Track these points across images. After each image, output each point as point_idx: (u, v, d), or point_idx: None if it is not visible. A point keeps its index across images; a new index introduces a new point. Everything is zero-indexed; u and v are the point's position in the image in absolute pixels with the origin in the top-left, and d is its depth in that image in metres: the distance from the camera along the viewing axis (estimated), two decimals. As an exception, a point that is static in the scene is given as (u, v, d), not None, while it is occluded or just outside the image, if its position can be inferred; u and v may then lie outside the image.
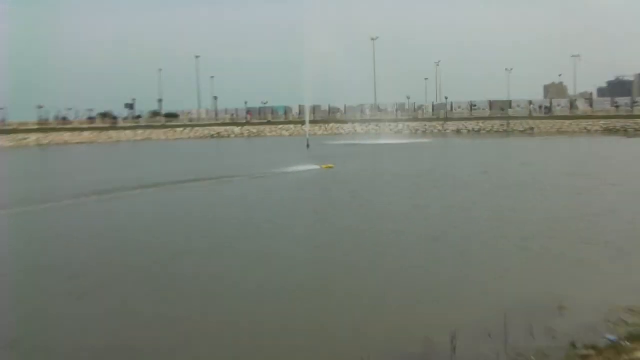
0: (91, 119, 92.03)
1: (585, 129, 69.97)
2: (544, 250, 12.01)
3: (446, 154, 44.40)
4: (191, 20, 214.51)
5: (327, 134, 75.80)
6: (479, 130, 74.33)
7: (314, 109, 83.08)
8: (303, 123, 69.14)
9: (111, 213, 18.78)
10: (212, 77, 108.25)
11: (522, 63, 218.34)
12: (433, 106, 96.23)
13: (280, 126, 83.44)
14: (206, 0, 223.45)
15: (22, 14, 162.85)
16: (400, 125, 77.05)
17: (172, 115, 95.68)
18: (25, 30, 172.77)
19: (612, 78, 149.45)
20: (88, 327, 8.49)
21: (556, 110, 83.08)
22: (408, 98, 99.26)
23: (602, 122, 71.40)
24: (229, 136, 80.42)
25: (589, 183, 22.18)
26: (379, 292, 9.79)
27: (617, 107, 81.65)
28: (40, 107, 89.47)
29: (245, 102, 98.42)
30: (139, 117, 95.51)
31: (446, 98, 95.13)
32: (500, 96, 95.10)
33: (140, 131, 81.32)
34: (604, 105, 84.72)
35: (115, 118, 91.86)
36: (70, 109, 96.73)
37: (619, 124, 69.60)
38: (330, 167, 29.20)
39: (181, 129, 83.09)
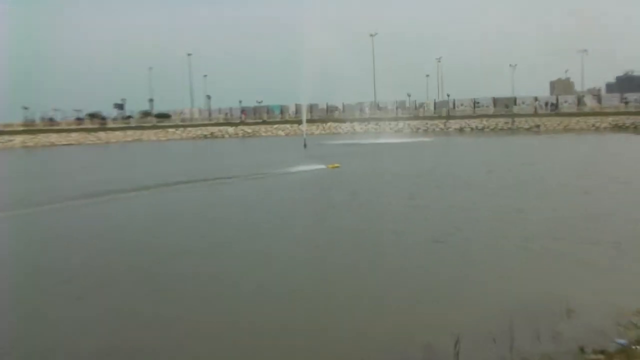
0: (79, 120, 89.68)
1: (593, 125, 68.29)
2: (550, 251, 11.56)
3: (448, 153, 42.97)
4: (188, 18, 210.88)
5: (325, 133, 74.38)
6: (482, 128, 72.90)
7: (311, 108, 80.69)
8: (299, 122, 67.07)
9: (109, 215, 18.40)
10: (205, 75, 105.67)
11: (526, 58, 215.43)
12: (435, 104, 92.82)
13: (276, 126, 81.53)
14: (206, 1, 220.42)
15: (16, 15, 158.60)
16: (401, 124, 75.23)
17: (163, 116, 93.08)
18: (16, 30, 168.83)
19: (620, 73, 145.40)
20: (88, 328, 8.48)
21: (563, 107, 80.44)
22: (409, 95, 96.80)
23: (610, 118, 69.60)
24: (222, 136, 79.02)
25: (597, 181, 21.59)
26: (379, 292, 9.54)
27: (626, 103, 78.72)
28: (25, 108, 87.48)
29: (240, 101, 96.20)
30: (129, 117, 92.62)
31: (448, 95, 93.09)
32: (505, 93, 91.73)
33: (130, 132, 79.59)
34: (613, 101, 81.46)
35: (104, 119, 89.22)
36: (57, 110, 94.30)
37: (628, 120, 68.09)
38: (336, 167, 29.57)
39: (173, 129, 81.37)
